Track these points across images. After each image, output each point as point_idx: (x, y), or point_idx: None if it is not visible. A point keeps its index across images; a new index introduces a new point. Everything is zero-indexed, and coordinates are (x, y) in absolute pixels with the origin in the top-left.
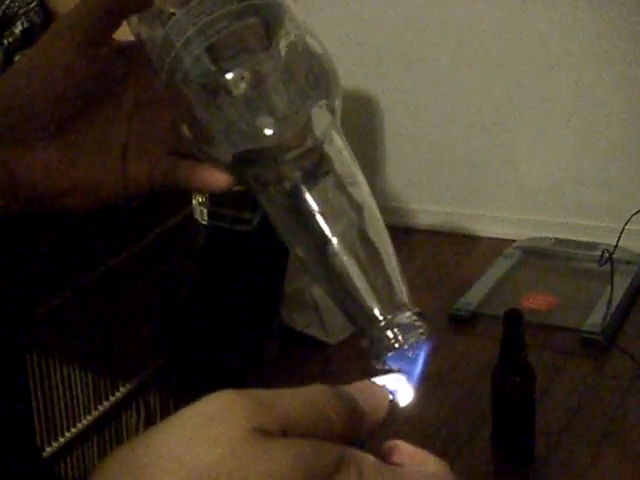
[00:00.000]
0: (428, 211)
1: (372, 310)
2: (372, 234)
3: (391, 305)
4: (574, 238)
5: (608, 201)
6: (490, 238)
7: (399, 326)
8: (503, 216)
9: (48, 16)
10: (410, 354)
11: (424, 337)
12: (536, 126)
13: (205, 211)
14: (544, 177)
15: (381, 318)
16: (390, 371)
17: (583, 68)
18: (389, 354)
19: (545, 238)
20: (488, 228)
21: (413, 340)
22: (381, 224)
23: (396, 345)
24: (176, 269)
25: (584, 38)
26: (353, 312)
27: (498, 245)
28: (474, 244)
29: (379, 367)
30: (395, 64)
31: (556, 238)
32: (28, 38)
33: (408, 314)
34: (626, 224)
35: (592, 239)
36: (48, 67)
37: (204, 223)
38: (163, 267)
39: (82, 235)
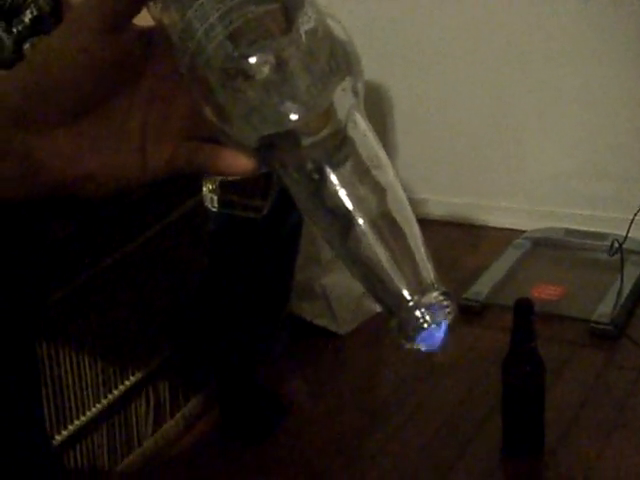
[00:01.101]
0: (438, 202)
1: (400, 291)
2: (397, 215)
3: (418, 285)
4: (584, 228)
5: (618, 191)
6: (500, 228)
7: (427, 306)
8: (513, 207)
9: (57, 4)
10: (438, 334)
11: (451, 316)
12: (545, 117)
13: (215, 198)
14: (554, 168)
15: (409, 298)
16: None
17: (592, 60)
18: (417, 334)
19: (555, 228)
20: (498, 219)
21: (441, 320)
22: (406, 205)
23: (424, 325)
24: (185, 258)
25: (593, 30)
26: (380, 293)
27: (508, 236)
28: (484, 235)
29: (407, 347)
30: (405, 56)
31: (566, 228)
32: (37, 26)
33: (435, 294)
34: (636, 214)
35: (602, 229)
36: (67, 53)
37: (214, 210)
38: (173, 256)
39: (92, 224)
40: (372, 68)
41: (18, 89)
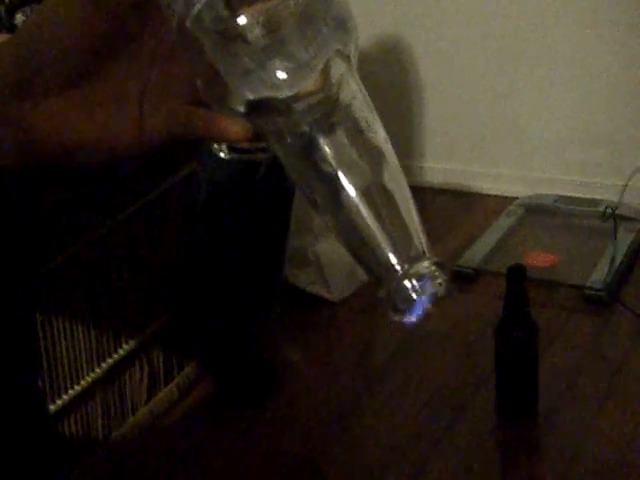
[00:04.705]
0: (431, 168)
1: (389, 260)
2: (388, 182)
3: (409, 254)
4: (577, 195)
5: (611, 158)
6: (493, 195)
7: (417, 276)
8: (506, 173)
9: None
10: (428, 304)
11: (443, 287)
12: (539, 83)
13: (225, 145)
14: (547, 134)
15: (398, 268)
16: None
17: (586, 26)
18: (406, 306)
19: (548, 195)
20: (491, 185)
21: (431, 290)
22: (398, 171)
23: (414, 295)
24: (178, 227)
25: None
26: (370, 262)
27: (501, 202)
28: (477, 201)
29: (396, 318)
30: (396, 24)
31: (559, 195)
32: None
33: (426, 263)
34: (629, 180)
35: (595, 196)
36: (60, 22)
37: (225, 157)
38: (167, 225)
39: (86, 192)
40: (366, 38)
41: (12, 60)
